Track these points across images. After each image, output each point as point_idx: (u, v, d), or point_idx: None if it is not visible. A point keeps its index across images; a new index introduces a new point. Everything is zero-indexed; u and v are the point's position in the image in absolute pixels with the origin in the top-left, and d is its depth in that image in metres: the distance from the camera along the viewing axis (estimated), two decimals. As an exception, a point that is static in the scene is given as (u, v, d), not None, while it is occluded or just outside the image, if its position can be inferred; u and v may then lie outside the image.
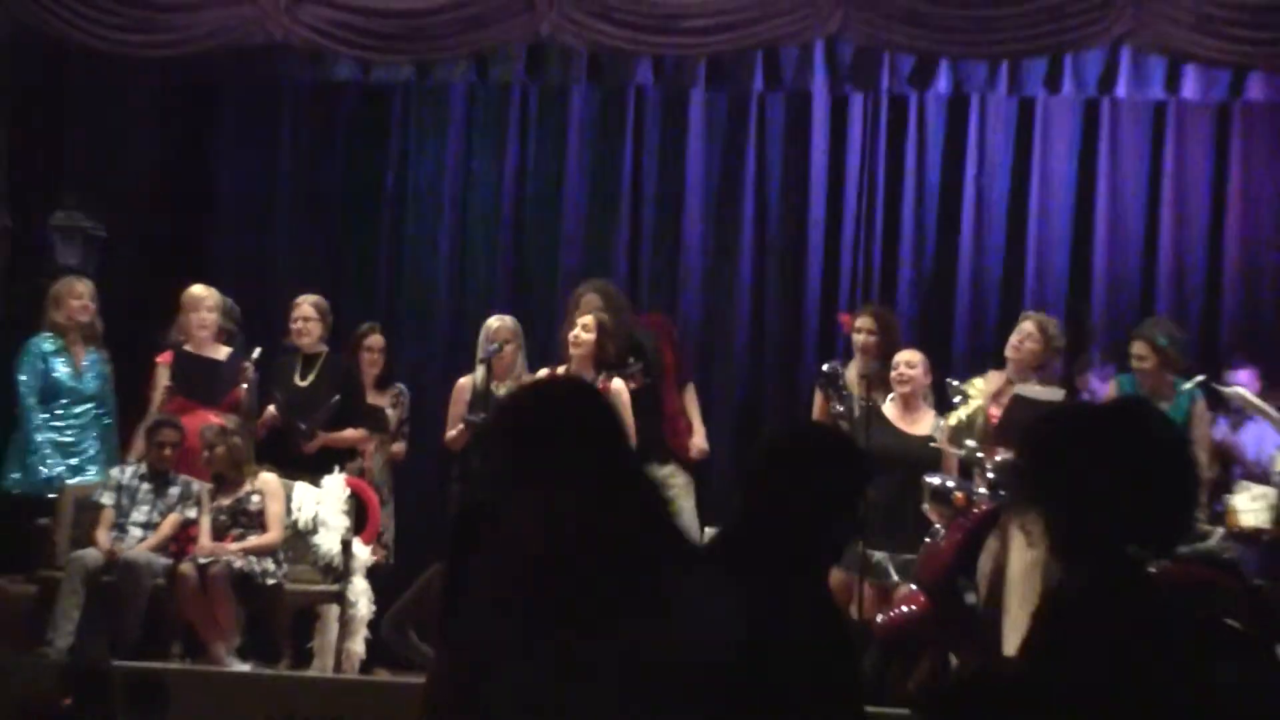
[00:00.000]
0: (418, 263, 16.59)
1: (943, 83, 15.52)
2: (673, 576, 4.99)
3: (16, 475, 13.52)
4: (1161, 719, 4.89)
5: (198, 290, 13.91)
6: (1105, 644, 4.89)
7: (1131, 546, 5.14)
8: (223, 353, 13.84)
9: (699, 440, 13.08)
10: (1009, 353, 12.94)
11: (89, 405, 13.54)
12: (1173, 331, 13.02)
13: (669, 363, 13.06)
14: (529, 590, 4.85)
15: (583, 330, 12.97)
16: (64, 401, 13.53)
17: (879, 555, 12.09)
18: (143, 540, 12.92)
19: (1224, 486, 12.81)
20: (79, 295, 13.62)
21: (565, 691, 4.83)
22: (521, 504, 5.00)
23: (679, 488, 12.92)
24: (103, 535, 12.85)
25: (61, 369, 13.47)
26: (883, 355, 13.01)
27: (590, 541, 4.85)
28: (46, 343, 13.55)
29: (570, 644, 4.82)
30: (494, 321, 13.51)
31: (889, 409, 12.67)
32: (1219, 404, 13.48)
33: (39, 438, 13.46)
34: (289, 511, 12.98)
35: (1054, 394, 12.36)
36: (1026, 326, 12.98)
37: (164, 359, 13.81)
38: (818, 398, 13.18)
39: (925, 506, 12.00)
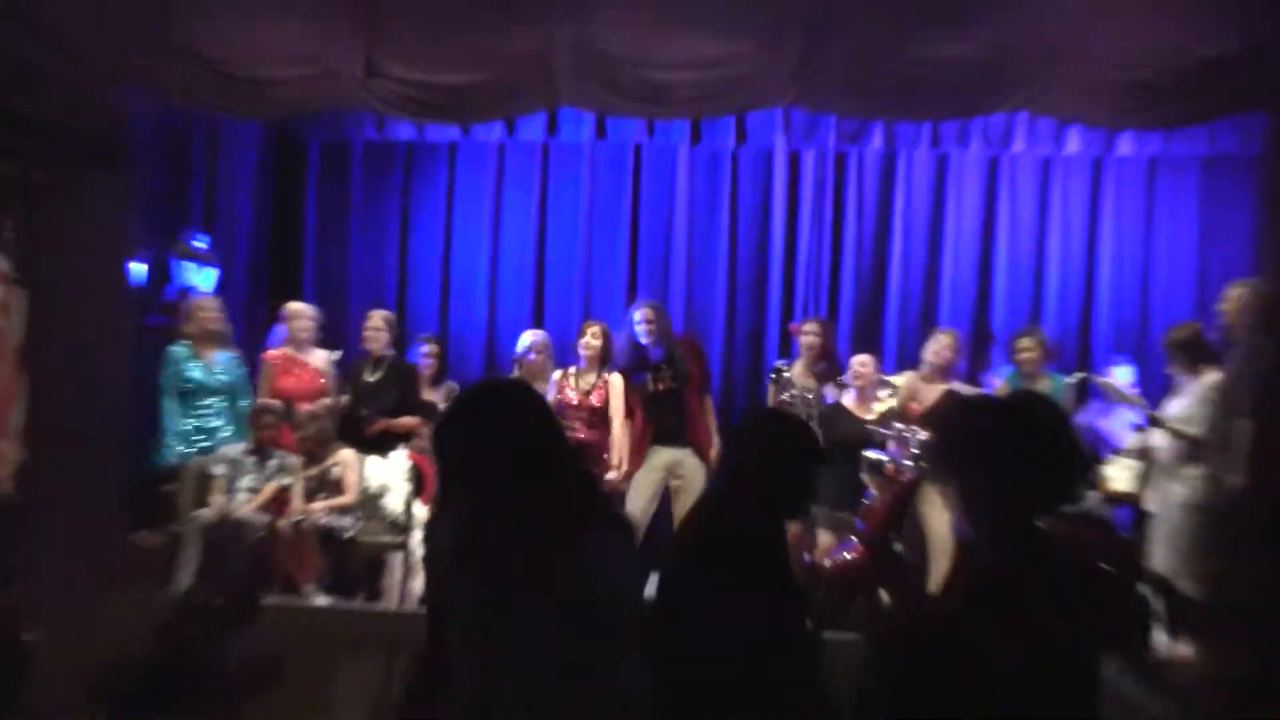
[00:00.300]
0: (462, 284, 16.64)
1: (877, 140, 15.57)
2: (591, 541, 5.08)
3: (153, 456, 13.52)
4: (1054, 639, 5.01)
5: (296, 305, 14.09)
6: (1012, 584, 5.01)
7: (1027, 508, 5.27)
8: (318, 355, 13.95)
9: (717, 442, 12.97)
10: (928, 357, 13.07)
11: (217, 397, 13.57)
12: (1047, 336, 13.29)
13: (693, 374, 13.04)
14: (474, 554, 4.94)
15: (591, 338, 13.08)
16: (197, 396, 13.55)
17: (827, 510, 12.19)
18: (248, 502, 12.98)
19: (1096, 460, 12.86)
20: (207, 309, 13.72)
21: (508, 629, 4.90)
22: (467, 482, 5.09)
23: (691, 469, 12.92)
24: (217, 498, 12.94)
25: (194, 370, 13.50)
26: (823, 356, 13.19)
27: (518, 515, 4.94)
28: (181, 349, 13.59)
29: (510, 594, 4.91)
30: (528, 335, 13.63)
31: (848, 400, 12.79)
32: (1093, 395, 13.59)
33: (169, 429, 13.49)
34: (362, 479, 13.05)
35: (977, 393, 12.48)
36: (942, 338, 13.14)
37: (269, 356, 13.91)
38: (771, 389, 13.25)
39: (863, 475, 12.10)
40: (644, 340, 12.98)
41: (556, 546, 5.06)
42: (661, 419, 12.93)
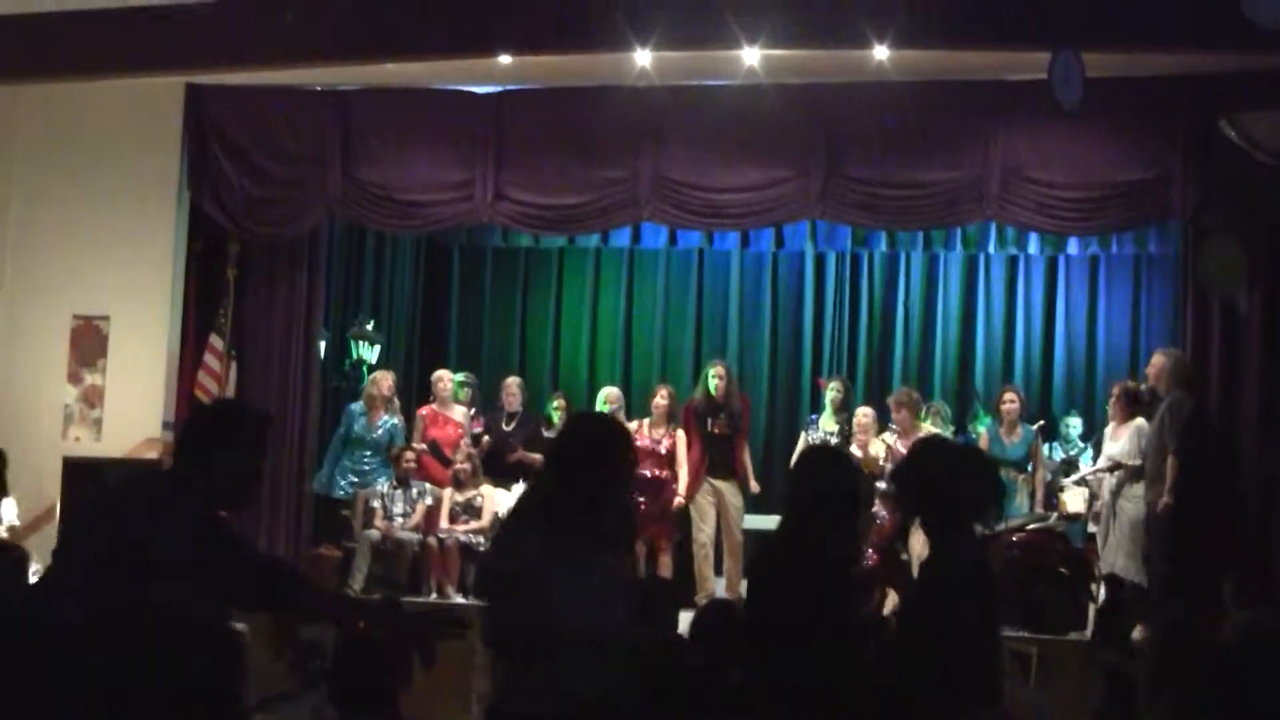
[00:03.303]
0: (569, 356, 16.84)
1: (883, 245, 15.67)
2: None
3: (324, 481, 13.64)
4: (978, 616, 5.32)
5: (442, 372, 14.20)
6: (946, 578, 5.27)
7: (971, 523, 5.55)
8: (458, 411, 13.98)
9: (753, 484, 13.16)
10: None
11: (372, 451, 13.54)
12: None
13: (744, 424, 13.14)
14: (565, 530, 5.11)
15: (660, 398, 13.19)
16: (360, 446, 13.61)
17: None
18: (403, 524, 13.06)
19: (1055, 489, 12.92)
20: (382, 381, 13.76)
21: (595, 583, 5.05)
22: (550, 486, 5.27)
23: (732, 495, 12.99)
24: (380, 522, 12.97)
25: (359, 426, 13.58)
26: (843, 408, 13.21)
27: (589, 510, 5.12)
28: (357, 407, 13.68)
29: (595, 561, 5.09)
30: (609, 390, 13.79)
31: (855, 446, 12.71)
32: (1053, 439, 13.74)
33: (335, 465, 13.60)
34: (495, 506, 13.12)
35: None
36: (933, 405, 13.38)
37: (422, 411, 13.98)
38: (802, 437, 13.36)
39: (876, 501, 12.17)
40: (715, 392, 13.06)
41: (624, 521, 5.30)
42: (715, 455, 12.99)
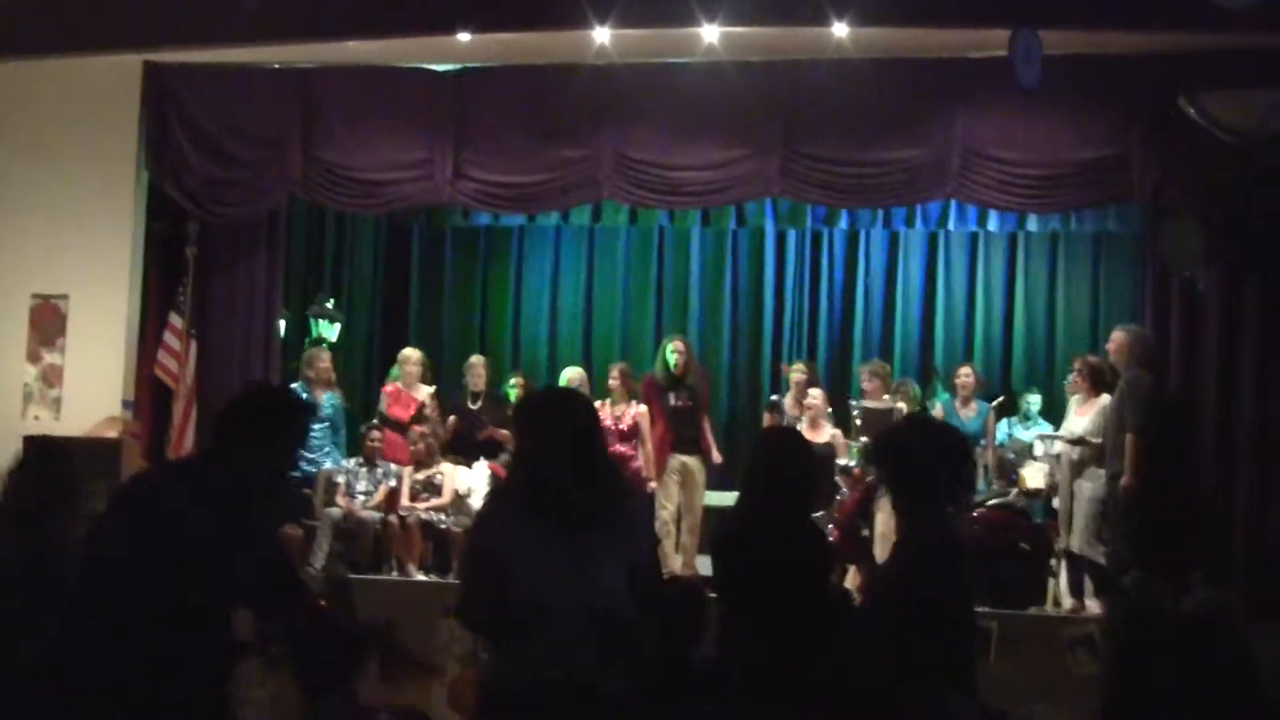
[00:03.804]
0: (530, 334, 16.84)
1: (843, 223, 15.67)
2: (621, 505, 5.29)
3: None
4: (943, 593, 5.30)
5: (407, 351, 14.20)
6: (924, 557, 5.26)
7: (945, 502, 5.54)
8: (422, 391, 13.95)
9: (716, 454, 13.22)
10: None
11: (322, 425, 13.35)
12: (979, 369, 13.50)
13: (705, 398, 13.18)
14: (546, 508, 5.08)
15: (613, 379, 13.23)
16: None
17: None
18: (364, 502, 13.08)
19: (1016, 465, 12.97)
20: (322, 359, 13.74)
21: (569, 548, 5.02)
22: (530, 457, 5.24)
23: (696, 470, 13.09)
24: (342, 500, 13.01)
25: None
26: (807, 389, 13.22)
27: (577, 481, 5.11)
28: (298, 386, 13.47)
29: (573, 539, 5.06)
30: (568, 371, 13.79)
31: (803, 425, 12.67)
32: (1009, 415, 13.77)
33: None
34: (455, 484, 13.12)
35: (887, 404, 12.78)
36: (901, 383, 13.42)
37: (386, 390, 14.01)
38: (766, 417, 13.41)
39: (837, 478, 12.19)
40: (674, 366, 13.08)
41: (608, 497, 5.23)
42: (680, 430, 13.04)
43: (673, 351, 13.16)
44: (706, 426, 13.34)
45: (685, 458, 13.02)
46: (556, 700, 4.82)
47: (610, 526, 5.21)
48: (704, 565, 12.65)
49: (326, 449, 13.48)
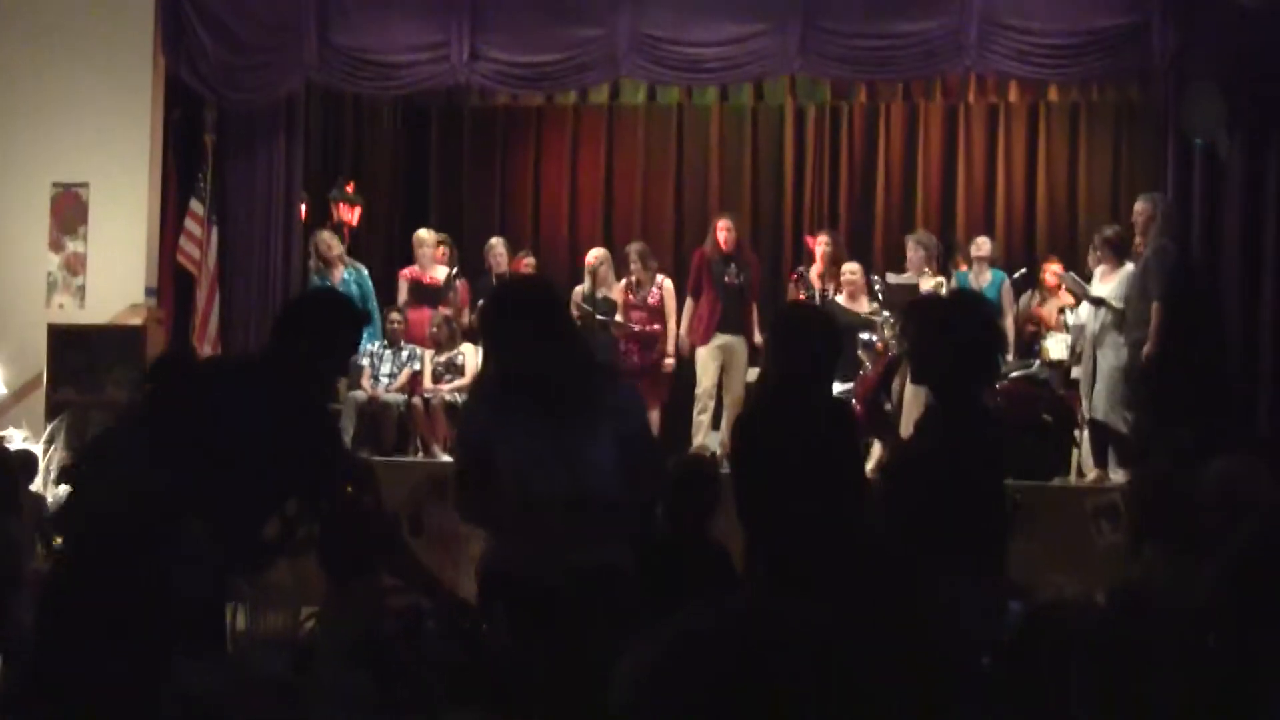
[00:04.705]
0: (550, 212, 16.74)
1: (862, 97, 15.61)
2: (599, 387, 5.29)
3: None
4: (980, 471, 5.28)
5: (422, 233, 14.20)
6: (958, 433, 5.21)
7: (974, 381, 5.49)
8: (440, 271, 13.96)
9: (757, 335, 12.82)
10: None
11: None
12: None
13: (755, 280, 13.08)
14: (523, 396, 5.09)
15: (637, 255, 13.25)
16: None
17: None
18: (388, 384, 13.13)
19: (1038, 336, 12.95)
20: (324, 240, 13.71)
21: (556, 433, 5.04)
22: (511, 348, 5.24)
23: (739, 352, 12.97)
24: (365, 382, 13.11)
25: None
26: (834, 261, 13.18)
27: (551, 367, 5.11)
28: (316, 278, 13.61)
29: (554, 423, 5.07)
30: (594, 251, 13.67)
31: (842, 298, 12.77)
32: (1027, 287, 13.68)
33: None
34: (477, 365, 13.12)
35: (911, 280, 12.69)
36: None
37: (404, 274, 14.06)
38: (791, 289, 13.40)
39: (859, 353, 12.19)
40: (723, 244, 13.03)
41: (582, 378, 5.26)
42: (728, 308, 12.96)
43: (721, 229, 13.10)
44: (754, 308, 13.25)
45: (729, 337, 12.92)
46: (551, 583, 4.82)
47: (593, 406, 5.23)
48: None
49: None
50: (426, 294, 13.82)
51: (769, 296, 13.97)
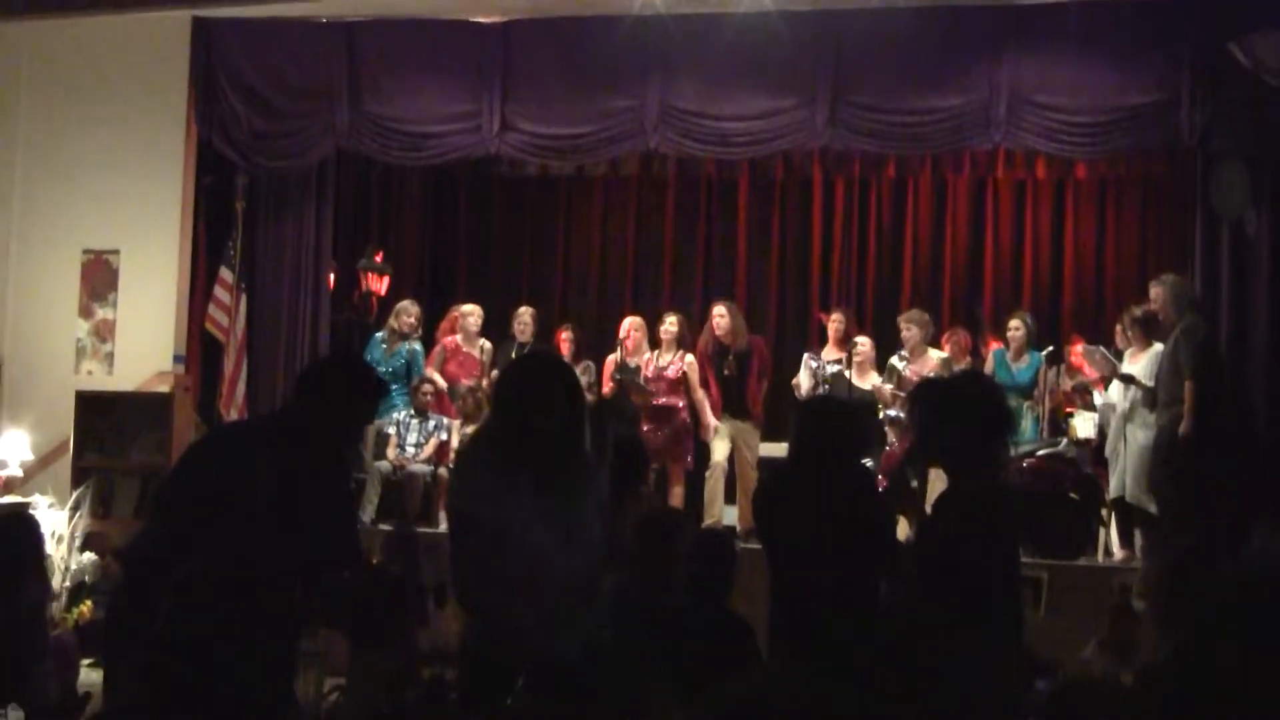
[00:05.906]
0: (579, 281, 16.76)
1: (891, 170, 15.62)
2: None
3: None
4: (994, 549, 5.34)
5: (468, 307, 14.08)
6: (971, 510, 5.26)
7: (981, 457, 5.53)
8: (479, 346, 13.90)
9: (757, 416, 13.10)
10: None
11: (391, 379, 12.97)
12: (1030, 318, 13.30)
13: (754, 365, 12.97)
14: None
15: (670, 324, 13.16)
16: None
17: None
18: (415, 454, 13.10)
19: (1068, 414, 12.91)
20: (409, 312, 13.72)
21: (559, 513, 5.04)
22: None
23: (748, 433, 12.91)
24: (391, 452, 13.07)
25: (377, 354, 13.47)
26: (846, 338, 13.17)
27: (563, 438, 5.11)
28: (380, 335, 13.69)
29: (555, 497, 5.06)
30: (628, 321, 13.61)
31: (851, 373, 12.76)
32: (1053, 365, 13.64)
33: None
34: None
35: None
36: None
37: (445, 343, 13.91)
38: (803, 366, 13.28)
39: (886, 428, 12.18)
40: (717, 331, 13.01)
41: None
42: (729, 395, 12.95)
43: (716, 316, 13.09)
44: (758, 394, 13.14)
45: (735, 421, 12.91)
46: (542, 667, 4.74)
47: (583, 474, 5.24)
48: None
49: (394, 399, 13.35)
50: (465, 365, 13.77)
51: (793, 368, 13.95)
